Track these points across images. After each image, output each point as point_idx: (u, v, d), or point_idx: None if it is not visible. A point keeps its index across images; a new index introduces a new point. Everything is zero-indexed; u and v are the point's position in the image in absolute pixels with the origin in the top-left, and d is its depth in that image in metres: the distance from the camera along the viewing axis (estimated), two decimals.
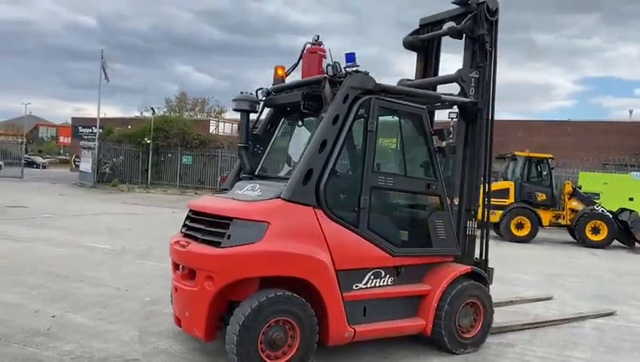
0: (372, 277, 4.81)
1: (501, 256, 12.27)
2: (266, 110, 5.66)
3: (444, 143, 5.19)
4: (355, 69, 4.76)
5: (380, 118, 4.93)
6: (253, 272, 4.26)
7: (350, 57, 4.78)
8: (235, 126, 35.74)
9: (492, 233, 15.34)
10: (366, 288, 4.77)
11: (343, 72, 4.71)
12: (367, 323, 4.75)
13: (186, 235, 4.78)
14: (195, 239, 4.58)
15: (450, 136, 5.20)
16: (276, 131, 5.65)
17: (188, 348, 4.88)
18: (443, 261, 5.32)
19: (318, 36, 5.37)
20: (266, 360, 4.20)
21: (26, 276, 7.34)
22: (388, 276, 4.92)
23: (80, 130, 43.91)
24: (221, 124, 33.94)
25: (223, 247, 4.26)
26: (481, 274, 5.41)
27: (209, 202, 4.94)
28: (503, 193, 15.41)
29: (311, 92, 4.86)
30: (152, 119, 28.06)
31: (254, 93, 5.48)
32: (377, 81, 4.87)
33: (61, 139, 70.11)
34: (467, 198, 5.65)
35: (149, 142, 27.04)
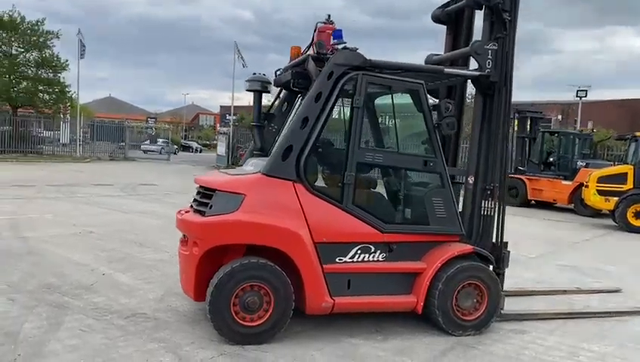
0: (359, 251, 4.88)
1: (599, 245, 11.32)
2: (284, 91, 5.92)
3: (442, 120, 5.03)
4: (342, 46, 4.84)
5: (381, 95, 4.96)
6: (228, 240, 4.59)
7: (337, 34, 4.87)
8: None
9: (608, 222, 14.23)
10: (352, 262, 4.86)
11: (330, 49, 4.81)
12: (351, 296, 4.85)
13: (191, 206, 5.25)
14: (192, 209, 5.03)
15: (450, 111, 5.02)
16: (292, 110, 5.88)
17: (195, 308, 5.34)
18: (447, 240, 5.19)
19: (329, 15, 5.49)
20: (240, 321, 4.52)
21: (108, 241, 8.41)
22: (378, 252, 4.95)
23: (227, 118, 47.82)
24: None
25: (206, 216, 4.65)
26: (485, 256, 5.18)
27: (208, 176, 5.35)
28: (620, 178, 13.96)
29: (300, 70, 5.02)
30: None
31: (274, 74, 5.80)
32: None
33: (218, 126, 76.13)
34: (483, 177, 5.42)
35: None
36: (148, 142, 42.10)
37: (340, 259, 4.83)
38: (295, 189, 4.70)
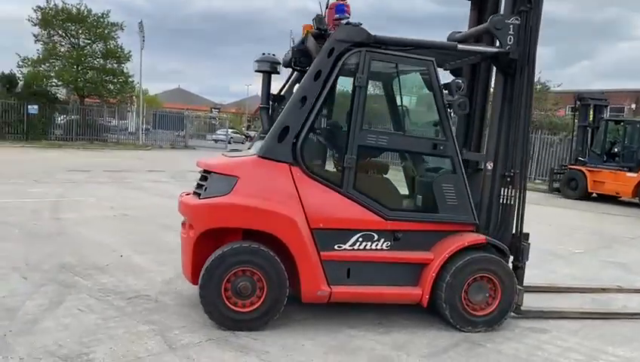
0: (360, 239, 4.65)
1: None
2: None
3: (454, 99, 4.67)
4: (345, 21, 4.58)
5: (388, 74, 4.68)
6: (220, 223, 4.46)
7: (340, 8, 4.62)
8: None
9: None
10: (352, 250, 4.63)
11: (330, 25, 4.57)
12: (350, 285, 4.63)
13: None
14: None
15: (462, 90, 4.65)
16: None
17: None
18: (460, 230, 4.86)
19: None
20: (231, 306, 4.40)
21: (139, 224, 8.54)
22: (383, 240, 4.70)
23: None
24: None
25: (201, 199, 4.55)
26: (500, 248, 4.81)
27: (210, 159, 5.24)
28: None
29: (301, 48, 4.80)
30: None
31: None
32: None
33: None
34: (503, 163, 5.02)
35: None
36: (219, 131, 43.32)
37: (339, 247, 4.61)
38: (291, 172, 4.52)
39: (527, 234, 5.17)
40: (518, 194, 5.03)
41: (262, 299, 4.43)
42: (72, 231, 7.76)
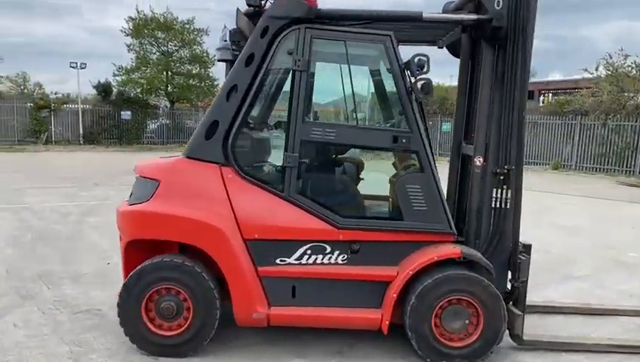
0: (309, 252, 3.92)
1: None
2: None
3: (415, 81, 3.80)
4: None
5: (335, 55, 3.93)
6: (137, 234, 3.94)
7: None
8: None
9: None
10: (298, 264, 3.92)
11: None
12: (295, 306, 3.92)
13: None
14: None
15: (424, 70, 3.76)
16: None
17: None
18: (437, 240, 3.98)
19: None
20: (155, 329, 3.86)
21: None
22: (337, 253, 3.94)
23: None
24: None
25: (128, 205, 4.06)
26: (482, 264, 3.86)
27: (146, 160, 4.71)
28: None
29: (237, 29, 4.15)
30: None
31: None
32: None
33: None
34: (494, 157, 4.06)
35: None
36: None
37: (281, 261, 3.91)
38: (222, 174, 3.89)
39: (529, 246, 4.15)
40: (513, 195, 4.04)
41: (188, 322, 3.84)
42: (84, 234, 7.66)
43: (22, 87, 36.53)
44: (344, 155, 4.47)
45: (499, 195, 4.05)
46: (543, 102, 26.36)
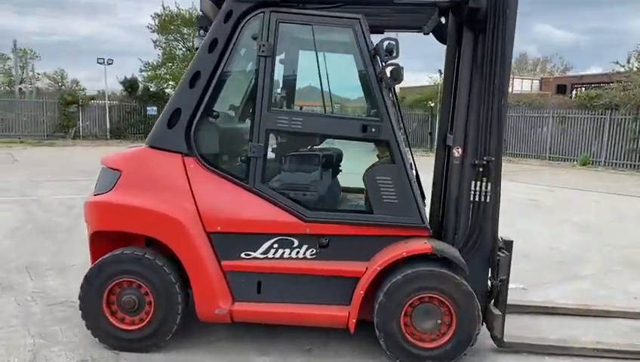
0: (276, 245, 3.77)
1: None
2: None
3: (382, 67, 3.59)
4: None
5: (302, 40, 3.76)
6: (99, 225, 3.84)
7: None
8: (536, 82, 32.20)
9: None
10: (264, 258, 3.77)
11: None
12: (260, 302, 3.77)
13: None
14: None
15: (393, 54, 3.54)
16: None
17: None
18: (412, 234, 3.77)
19: None
20: (117, 323, 3.77)
21: None
22: (305, 247, 3.78)
23: None
24: (517, 81, 30.80)
25: (93, 196, 3.98)
26: (454, 260, 3.63)
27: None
28: None
29: (203, 14, 4.01)
30: (439, 82, 27.51)
31: None
32: None
33: None
34: (473, 148, 3.83)
35: (432, 105, 26.70)
36: None
37: (246, 255, 3.77)
38: (184, 164, 3.76)
39: (510, 243, 3.91)
40: (492, 188, 3.81)
41: (150, 316, 3.74)
42: (83, 227, 7.60)
43: (60, 84, 37.29)
44: (319, 145, 4.29)
45: (478, 188, 3.82)
46: (574, 97, 25.53)
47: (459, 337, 3.61)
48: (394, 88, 3.85)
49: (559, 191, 13.56)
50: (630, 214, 10.41)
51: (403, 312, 3.61)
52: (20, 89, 33.04)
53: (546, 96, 26.24)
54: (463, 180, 3.86)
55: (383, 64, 3.55)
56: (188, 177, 3.73)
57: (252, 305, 3.75)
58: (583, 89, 33.01)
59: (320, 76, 3.77)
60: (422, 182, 4.23)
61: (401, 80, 3.59)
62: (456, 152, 3.89)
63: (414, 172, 4.18)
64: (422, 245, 3.63)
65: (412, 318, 3.64)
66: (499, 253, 3.84)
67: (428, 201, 4.29)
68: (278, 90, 3.89)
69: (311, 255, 3.78)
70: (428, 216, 3.93)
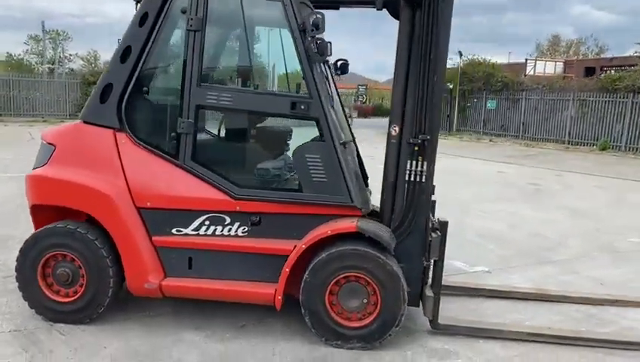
0: (207, 222, 3.78)
1: None
2: None
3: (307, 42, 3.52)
4: None
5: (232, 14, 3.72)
6: (36, 198, 3.90)
7: None
8: (559, 64, 31.28)
9: None
10: (196, 235, 3.78)
11: None
12: (191, 277, 3.80)
13: None
14: None
15: (319, 29, 3.46)
16: None
17: None
18: (345, 214, 3.73)
19: None
20: (52, 295, 3.84)
21: None
22: (237, 224, 3.78)
23: None
24: (540, 64, 29.88)
25: (32, 170, 4.04)
26: (379, 240, 3.56)
27: None
28: None
29: None
30: (459, 63, 26.99)
31: None
32: None
33: None
34: (409, 127, 3.75)
35: (451, 87, 26.25)
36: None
37: (178, 231, 3.79)
38: (115, 139, 3.78)
39: (445, 224, 3.82)
40: (428, 168, 3.73)
41: (83, 289, 3.80)
42: None
43: (93, 65, 37.81)
44: (263, 123, 4.26)
45: (413, 167, 3.74)
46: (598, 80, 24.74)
47: (384, 317, 3.57)
48: (329, 65, 3.77)
49: (567, 176, 13.24)
50: (633, 200, 10.11)
51: (328, 291, 3.58)
52: (49, 69, 33.68)
53: (569, 78, 25.49)
54: (400, 159, 3.78)
55: (310, 39, 3.48)
56: (119, 152, 3.75)
57: (182, 281, 3.77)
58: (612, 71, 31.98)
59: (249, 51, 3.73)
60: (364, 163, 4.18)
61: (328, 55, 3.52)
62: (393, 131, 3.82)
63: (355, 152, 4.13)
64: (348, 224, 3.58)
65: (339, 297, 3.61)
66: (432, 233, 3.76)
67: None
68: (208, 66, 3.85)
69: (243, 232, 3.78)
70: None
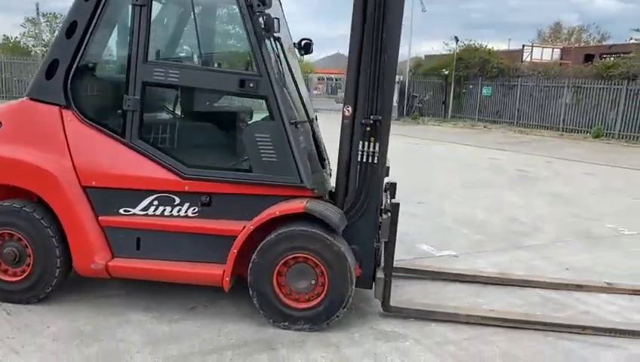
0: (156, 202, 3.71)
1: None
2: None
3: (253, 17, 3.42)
4: None
5: None
6: None
7: None
8: (557, 51, 31.01)
9: None
10: (144, 215, 3.72)
11: None
12: (140, 258, 3.74)
13: None
14: None
15: (266, 4, 3.37)
16: None
17: None
18: (296, 194, 3.66)
19: None
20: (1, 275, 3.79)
21: None
22: (188, 205, 3.71)
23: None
24: (537, 50, 29.55)
25: None
26: (327, 221, 3.49)
27: None
28: None
29: None
30: (455, 49, 26.75)
31: None
32: None
33: None
34: (362, 106, 3.67)
35: (446, 73, 26.07)
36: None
37: (126, 211, 3.72)
38: (61, 117, 3.70)
39: (396, 205, 3.75)
40: (380, 149, 3.65)
41: (30, 269, 3.74)
42: None
43: None
44: (220, 102, 4.18)
45: (366, 148, 3.67)
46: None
47: (331, 298, 3.51)
48: (281, 43, 3.68)
49: (557, 163, 13.16)
50: (618, 187, 10.03)
51: (276, 272, 3.52)
52: (43, 52, 33.48)
53: (565, 65, 25.27)
54: (353, 140, 3.71)
55: (257, 14, 3.39)
56: (64, 130, 3.68)
57: (129, 261, 3.72)
58: (612, 59, 31.74)
59: (197, 28, 3.64)
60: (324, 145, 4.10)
61: (275, 31, 3.43)
62: (347, 111, 3.73)
63: (311, 132, 4.05)
64: (297, 205, 3.51)
65: (287, 278, 3.55)
66: (383, 215, 3.70)
67: None
68: (155, 42, 3.76)
69: (193, 213, 3.72)
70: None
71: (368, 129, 3.64)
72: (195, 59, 3.76)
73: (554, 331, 3.67)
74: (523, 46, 29.96)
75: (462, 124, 24.47)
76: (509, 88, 24.25)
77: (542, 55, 28.78)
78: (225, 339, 3.44)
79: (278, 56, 3.71)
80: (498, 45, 28.85)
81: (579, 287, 4.52)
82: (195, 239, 3.71)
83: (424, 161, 12.51)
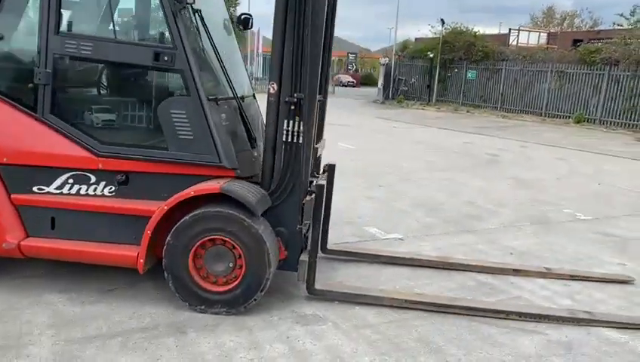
0: (71, 181, 3.58)
1: None
2: None
3: None
4: None
5: None
6: None
7: None
8: (543, 35, 30.84)
9: None
10: (59, 194, 3.59)
11: None
12: (55, 238, 3.61)
13: None
14: None
15: None
16: None
17: None
18: (217, 174, 3.54)
19: None
20: None
21: None
22: (104, 184, 3.58)
23: None
24: (524, 34, 29.35)
25: None
26: (243, 201, 3.37)
27: None
28: None
29: None
30: (441, 32, 26.51)
31: None
32: None
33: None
34: (287, 84, 3.54)
35: (431, 56, 25.87)
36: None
37: (39, 189, 3.59)
38: None
39: (321, 187, 3.64)
40: (305, 128, 3.53)
41: None
42: None
43: None
44: (143, 78, 4.01)
45: (290, 127, 3.54)
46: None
47: (248, 281, 3.41)
48: (201, 14, 3.52)
49: (531, 148, 13.11)
50: (586, 172, 9.98)
51: (192, 254, 3.41)
52: None
53: (551, 50, 25.14)
54: (278, 119, 3.58)
55: None
56: None
57: (43, 241, 3.59)
58: (599, 44, 31.63)
59: None
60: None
61: (189, 2, 3.29)
62: (272, 88, 3.60)
63: (239, 110, 3.90)
64: (214, 185, 3.39)
65: (204, 260, 3.45)
66: (307, 197, 3.59)
67: None
68: (66, 13, 3.59)
69: (109, 192, 3.59)
70: None
71: (292, 107, 3.52)
72: (111, 32, 3.58)
73: (478, 316, 3.60)
74: (510, 30, 29.77)
75: (445, 108, 24.37)
76: (493, 72, 24.12)
77: (528, 39, 28.60)
78: (136, 322, 3.34)
79: (198, 29, 3.56)
80: (491, 29, 28.68)
81: (516, 272, 4.46)
82: (112, 219, 3.59)
83: (397, 145, 12.40)
